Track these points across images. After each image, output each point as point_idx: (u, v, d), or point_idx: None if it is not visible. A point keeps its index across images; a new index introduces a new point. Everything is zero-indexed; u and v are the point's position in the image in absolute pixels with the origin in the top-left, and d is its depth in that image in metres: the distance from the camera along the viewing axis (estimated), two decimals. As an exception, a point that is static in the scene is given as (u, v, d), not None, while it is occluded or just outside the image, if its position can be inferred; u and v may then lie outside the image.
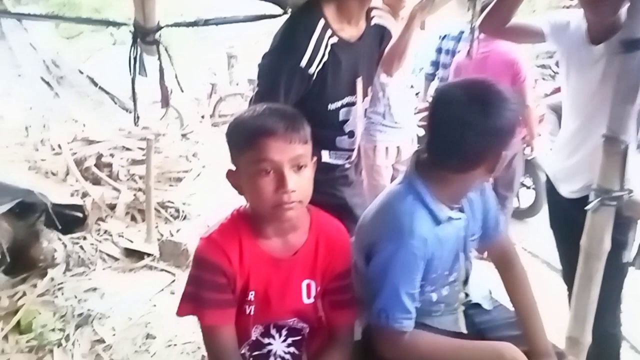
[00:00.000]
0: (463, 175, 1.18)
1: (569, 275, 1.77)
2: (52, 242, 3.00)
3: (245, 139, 1.09)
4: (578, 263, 1.55)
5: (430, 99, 3.82)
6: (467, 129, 1.10)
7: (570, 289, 1.74)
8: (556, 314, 1.62)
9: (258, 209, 1.12)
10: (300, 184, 1.09)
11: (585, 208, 1.50)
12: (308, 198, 1.13)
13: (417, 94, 3.63)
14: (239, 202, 1.20)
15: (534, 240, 2.97)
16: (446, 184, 1.20)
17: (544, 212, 2.50)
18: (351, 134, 1.60)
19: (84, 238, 3.21)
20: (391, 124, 2.64)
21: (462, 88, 1.16)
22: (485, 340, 1.29)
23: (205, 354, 1.19)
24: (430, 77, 3.69)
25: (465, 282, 1.36)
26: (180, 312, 1.15)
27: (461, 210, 1.26)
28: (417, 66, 3.91)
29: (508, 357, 1.16)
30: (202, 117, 6.81)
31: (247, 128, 1.10)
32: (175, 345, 2.34)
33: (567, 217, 1.74)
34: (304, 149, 1.10)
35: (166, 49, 1.89)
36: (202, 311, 1.12)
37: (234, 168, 1.15)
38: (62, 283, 2.83)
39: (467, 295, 1.38)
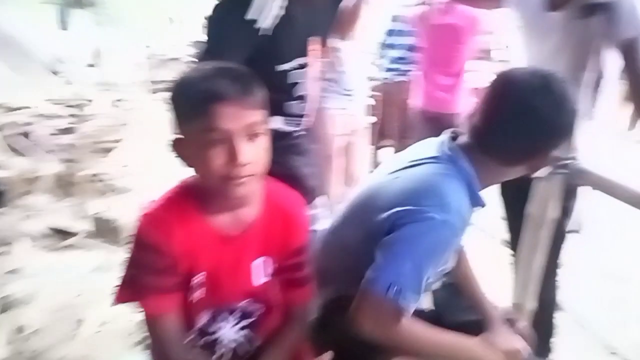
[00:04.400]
0: (505, 167, 1.15)
1: (517, 244, 1.77)
2: (-32, 219, 2.74)
3: (192, 104, 0.94)
4: (524, 231, 1.57)
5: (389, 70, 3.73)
6: (537, 120, 1.06)
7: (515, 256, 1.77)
8: (496, 281, 1.62)
9: (206, 182, 1.00)
10: (255, 155, 0.97)
11: (533, 175, 1.48)
12: (263, 170, 1.01)
13: (372, 62, 3.56)
14: (177, 174, 1.06)
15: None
16: (484, 171, 1.14)
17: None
18: (302, 99, 1.49)
19: (5, 214, 2.96)
20: (341, 91, 2.54)
21: (539, 77, 1.09)
22: (447, 315, 1.28)
23: (144, 335, 1.10)
24: (384, 46, 3.60)
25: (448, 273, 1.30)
26: (119, 300, 1.04)
27: None
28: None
29: (479, 354, 1.15)
30: (138, 82, 6.43)
31: (194, 92, 0.95)
32: (108, 329, 2.18)
33: (516, 185, 1.74)
34: (259, 115, 0.98)
35: (97, 4, 1.67)
36: (143, 298, 1.01)
37: (178, 136, 1.00)
38: (-21, 264, 2.58)
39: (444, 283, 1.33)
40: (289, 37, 1.36)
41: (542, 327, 1.69)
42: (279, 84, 1.40)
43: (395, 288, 1.02)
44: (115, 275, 1.05)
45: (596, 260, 2.79)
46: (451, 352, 1.13)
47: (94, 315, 2.23)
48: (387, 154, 3.81)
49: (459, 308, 1.34)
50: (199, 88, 0.95)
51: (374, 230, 1.13)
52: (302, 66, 1.44)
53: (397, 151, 3.54)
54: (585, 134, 1.50)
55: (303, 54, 1.44)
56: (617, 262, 2.80)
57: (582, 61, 1.58)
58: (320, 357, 1.08)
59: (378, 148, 3.81)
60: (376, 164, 3.74)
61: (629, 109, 1.59)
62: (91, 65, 5.96)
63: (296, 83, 1.45)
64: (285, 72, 1.41)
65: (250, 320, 1.12)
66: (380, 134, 3.73)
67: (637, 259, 2.82)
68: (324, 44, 1.54)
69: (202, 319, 1.08)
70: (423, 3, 3.00)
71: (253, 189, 1.02)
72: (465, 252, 1.37)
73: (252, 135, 0.96)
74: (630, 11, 1.48)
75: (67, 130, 3.89)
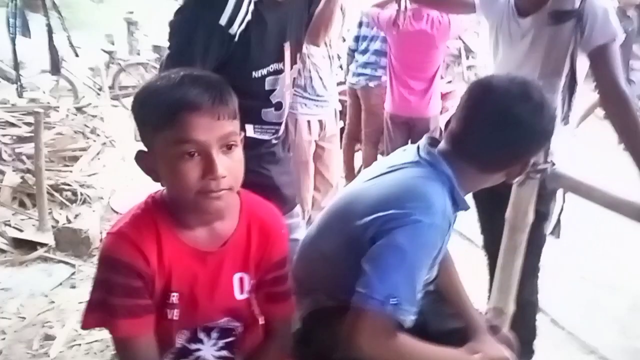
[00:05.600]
0: (484, 174, 1.15)
1: (490, 245, 1.79)
2: None
3: (162, 114, 0.89)
4: (503, 236, 1.56)
5: (357, 75, 3.69)
6: (517, 127, 1.06)
7: (490, 258, 1.79)
8: (474, 285, 1.61)
9: (179, 196, 0.94)
10: (231, 167, 0.93)
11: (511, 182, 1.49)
12: (239, 183, 0.97)
13: (340, 66, 3.54)
14: (146, 183, 1.01)
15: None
16: (463, 178, 1.13)
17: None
18: (278, 106, 1.45)
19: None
20: (313, 96, 2.52)
21: (517, 84, 1.10)
22: (432, 323, 1.26)
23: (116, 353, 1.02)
24: (352, 53, 3.58)
25: (432, 282, 1.28)
26: (87, 325, 0.98)
27: None
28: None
29: None
30: (100, 88, 6.25)
31: (163, 100, 0.90)
32: (79, 345, 2.09)
33: (489, 189, 1.75)
34: (233, 125, 0.93)
35: (55, 4, 1.59)
36: (113, 322, 0.94)
37: (144, 148, 0.95)
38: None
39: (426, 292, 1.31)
40: (262, 43, 1.33)
41: (523, 330, 1.70)
42: (254, 91, 1.36)
43: (391, 301, 0.99)
44: (82, 290, 1.01)
45: (574, 262, 2.83)
46: None
47: (61, 333, 2.14)
48: (358, 158, 3.81)
49: (443, 316, 1.32)
50: (168, 97, 0.90)
51: (354, 236, 1.10)
52: (277, 72, 1.41)
53: (367, 156, 3.54)
54: (561, 139, 1.51)
55: (278, 59, 1.40)
56: (594, 264, 2.85)
57: (552, 67, 1.59)
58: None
59: (350, 153, 3.80)
60: (348, 169, 3.73)
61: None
62: (49, 71, 5.74)
63: (272, 90, 1.41)
64: (261, 78, 1.37)
65: (229, 338, 1.08)
66: (351, 139, 3.72)
67: (614, 260, 2.89)
68: (299, 47, 1.51)
69: (180, 339, 1.03)
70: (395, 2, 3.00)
71: (230, 202, 0.98)
72: (451, 258, 1.35)
73: (227, 147, 0.92)
74: (601, 18, 1.49)
75: (26, 139, 3.71)
